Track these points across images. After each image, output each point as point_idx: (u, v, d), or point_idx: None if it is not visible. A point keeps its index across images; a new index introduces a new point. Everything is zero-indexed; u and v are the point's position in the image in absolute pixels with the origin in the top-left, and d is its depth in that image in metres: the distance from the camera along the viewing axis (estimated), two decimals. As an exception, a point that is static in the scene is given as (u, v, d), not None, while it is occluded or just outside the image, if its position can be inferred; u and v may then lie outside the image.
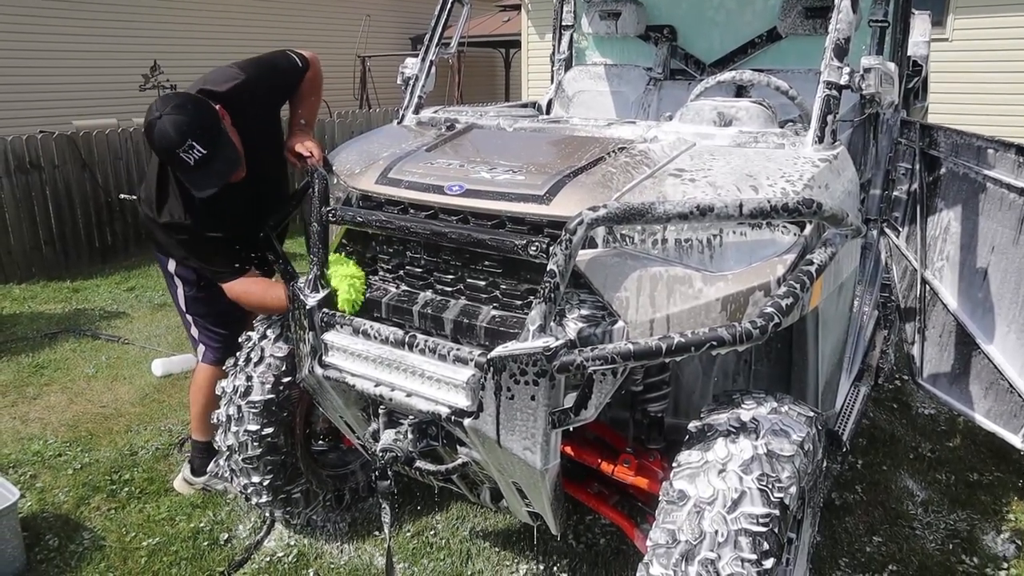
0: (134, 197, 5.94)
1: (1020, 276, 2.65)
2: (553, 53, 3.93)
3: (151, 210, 2.66)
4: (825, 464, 2.08)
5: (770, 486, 1.69)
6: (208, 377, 2.94)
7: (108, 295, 5.95)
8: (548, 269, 1.67)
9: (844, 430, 2.64)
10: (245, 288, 2.59)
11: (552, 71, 3.93)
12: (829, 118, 2.08)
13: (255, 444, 2.55)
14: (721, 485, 1.71)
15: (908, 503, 3.10)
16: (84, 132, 6.72)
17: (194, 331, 2.97)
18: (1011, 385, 2.70)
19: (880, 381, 3.95)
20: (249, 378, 2.55)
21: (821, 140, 2.07)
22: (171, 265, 2.85)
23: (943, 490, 3.19)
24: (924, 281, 3.15)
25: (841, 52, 2.12)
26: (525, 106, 3.70)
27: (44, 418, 3.82)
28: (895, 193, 3.16)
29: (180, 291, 2.89)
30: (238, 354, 2.63)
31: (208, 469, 3.04)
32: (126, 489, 3.17)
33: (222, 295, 2.78)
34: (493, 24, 15.86)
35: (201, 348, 2.98)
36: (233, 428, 2.57)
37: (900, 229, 3.24)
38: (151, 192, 2.65)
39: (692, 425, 1.89)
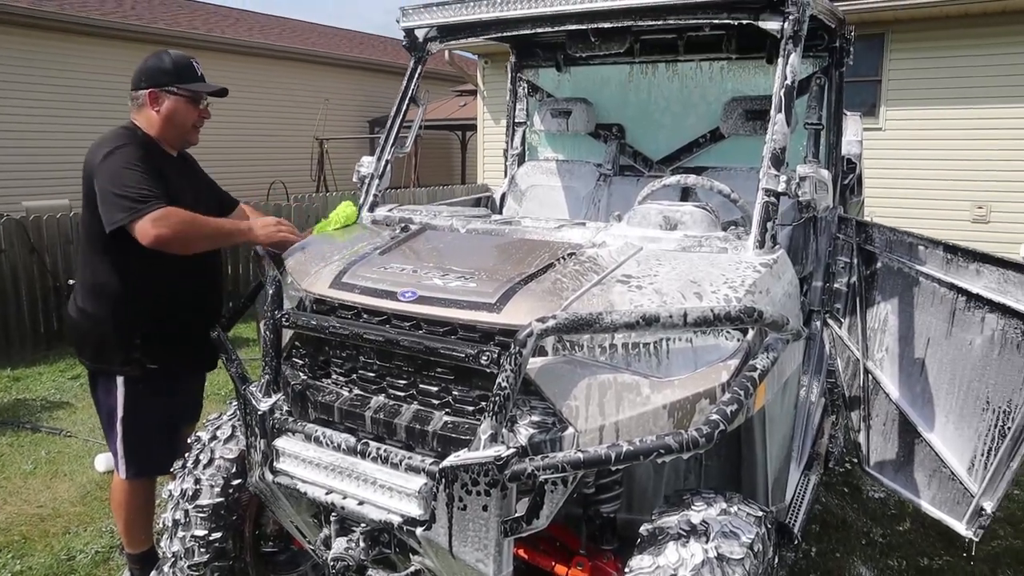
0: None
1: (954, 368, 2.75)
2: (506, 148, 4.05)
3: (100, 150, 2.60)
4: (776, 559, 2.09)
5: (721, 591, 1.70)
6: (127, 492, 2.87)
7: (51, 384, 5.78)
8: (497, 382, 1.69)
9: (795, 522, 2.67)
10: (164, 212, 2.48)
11: (506, 166, 4.05)
12: (768, 224, 2.19)
13: (202, 550, 2.47)
14: (673, 591, 1.72)
15: (862, 592, 3.12)
16: (34, 216, 6.63)
17: (119, 444, 2.81)
18: (953, 473, 2.77)
19: (831, 465, 4.01)
20: (197, 481, 2.49)
21: (762, 245, 2.17)
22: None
23: (895, 577, 3.23)
24: (866, 371, 3.25)
25: (778, 161, 2.24)
26: (479, 201, 3.80)
27: (-25, 520, 3.65)
28: (836, 285, 3.28)
29: (120, 392, 2.76)
30: (187, 455, 2.57)
31: None
32: (62, 598, 3.03)
33: (161, 406, 2.79)
34: (450, 108, 16.29)
35: (122, 463, 2.83)
36: (179, 533, 2.49)
37: (842, 320, 3.36)
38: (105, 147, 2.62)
39: (643, 528, 1.91)
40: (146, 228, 2.44)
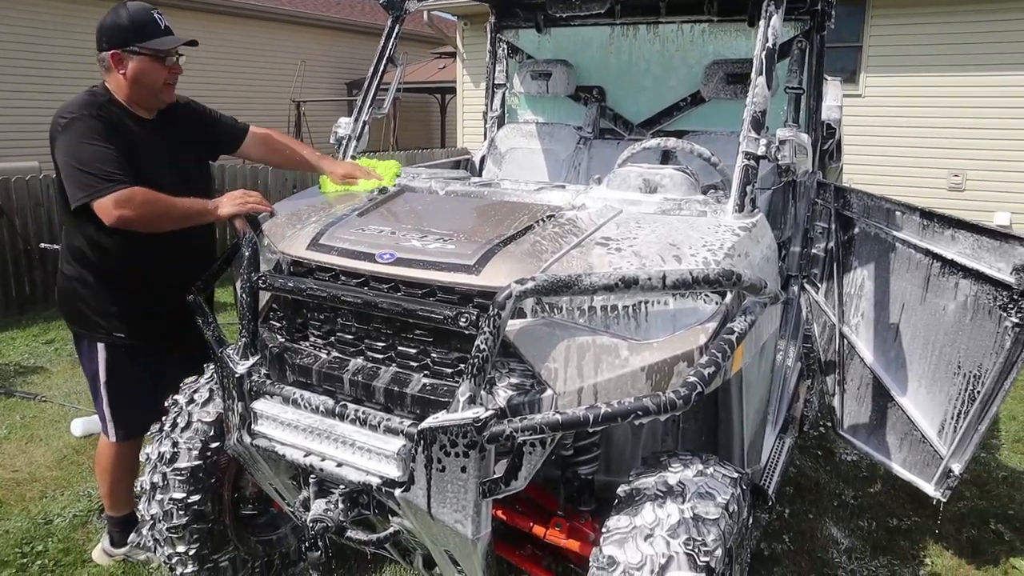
0: (55, 246, 5.72)
1: (928, 333, 2.79)
2: (486, 111, 4.01)
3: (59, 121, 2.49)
4: (751, 520, 2.13)
5: (696, 550, 1.73)
6: (113, 455, 2.85)
7: (25, 348, 5.70)
8: (476, 344, 1.69)
9: (770, 484, 2.71)
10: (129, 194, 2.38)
11: (485, 128, 4.01)
12: (748, 188, 2.19)
13: (181, 513, 2.47)
14: (649, 550, 1.74)
15: (833, 551, 3.19)
16: (3, 177, 6.48)
17: (105, 408, 2.78)
18: (924, 436, 2.82)
19: (806, 428, 4.07)
20: (175, 444, 2.47)
21: (741, 208, 2.17)
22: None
23: (865, 537, 3.30)
24: (842, 335, 3.29)
25: (758, 124, 2.23)
26: (458, 163, 3.76)
27: (-50, 485, 3.62)
28: (813, 251, 3.31)
29: (101, 357, 2.72)
30: (164, 419, 2.56)
31: (129, 539, 2.93)
32: (39, 562, 3.01)
33: (146, 369, 2.75)
34: (429, 70, 16.08)
35: (110, 426, 2.80)
36: (157, 496, 2.48)
37: (819, 285, 3.39)
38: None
39: (621, 489, 1.93)
40: (108, 208, 2.37)
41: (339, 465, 1.95)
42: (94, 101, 2.56)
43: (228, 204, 2.47)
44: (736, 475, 1.96)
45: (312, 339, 2.15)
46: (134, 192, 2.38)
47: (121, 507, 2.94)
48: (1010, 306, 2.41)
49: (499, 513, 2.20)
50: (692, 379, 1.70)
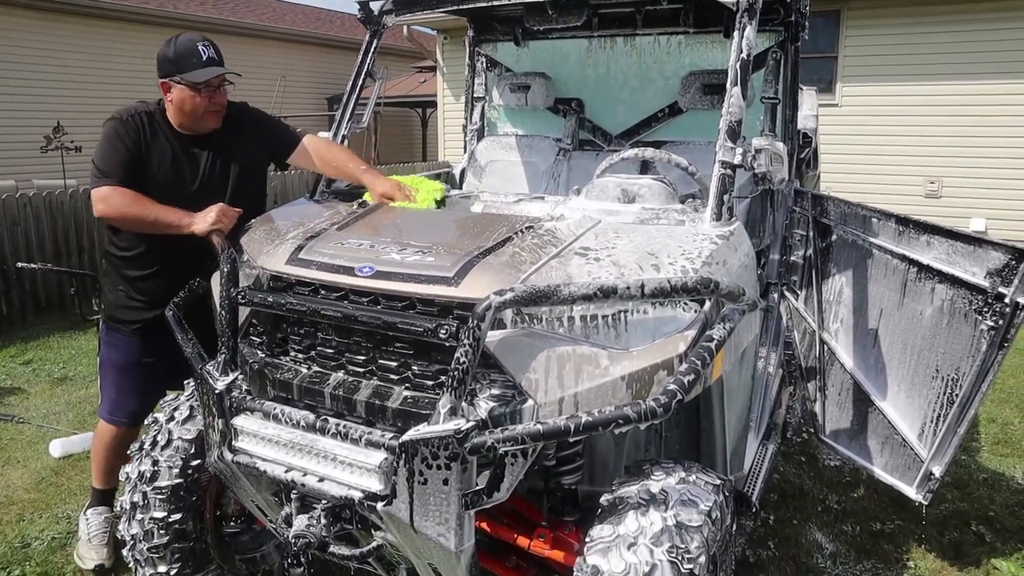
0: (33, 266, 5.68)
1: (906, 337, 2.82)
2: (466, 123, 4.02)
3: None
4: (735, 527, 2.14)
5: (680, 558, 1.73)
6: (98, 430, 3.04)
7: (1, 369, 5.62)
8: (456, 356, 1.69)
9: (753, 490, 2.72)
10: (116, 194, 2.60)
11: (465, 141, 4.02)
12: (725, 196, 2.20)
13: (162, 532, 2.44)
14: (632, 559, 1.74)
15: (818, 556, 3.20)
16: (-22, 197, 6.43)
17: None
18: (904, 439, 2.85)
19: (789, 435, 4.09)
20: (155, 463, 2.45)
21: (719, 217, 2.18)
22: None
23: (849, 541, 3.31)
24: (822, 342, 3.31)
25: (734, 134, 2.25)
26: (438, 176, 3.77)
27: (-74, 509, 3.56)
28: (792, 258, 3.33)
29: (101, 332, 2.98)
30: (143, 437, 2.53)
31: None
32: (17, 585, 2.97)
33: (125, 349, 2.90)
34: (410, 84, 16.11)
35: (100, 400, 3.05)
36: (138, 516, 2.45)
37: (799, 292, 3.41)
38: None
39: (604, 498, 1.93)
40: (93, 200, 2.64)
41: (321, 480, 1.94)
42: (138, 109, 2.74)
43: (202, 222, 2.52)
44: (719, 482, 1.97)
45: (292, 354, 2.14)
46: (114, 191, 2.60)
47: (97, 480, 3.10)
48: (985, 310, 2.44)
49: (483, 524, 2.19)
50: (672, 387, 1.70)
